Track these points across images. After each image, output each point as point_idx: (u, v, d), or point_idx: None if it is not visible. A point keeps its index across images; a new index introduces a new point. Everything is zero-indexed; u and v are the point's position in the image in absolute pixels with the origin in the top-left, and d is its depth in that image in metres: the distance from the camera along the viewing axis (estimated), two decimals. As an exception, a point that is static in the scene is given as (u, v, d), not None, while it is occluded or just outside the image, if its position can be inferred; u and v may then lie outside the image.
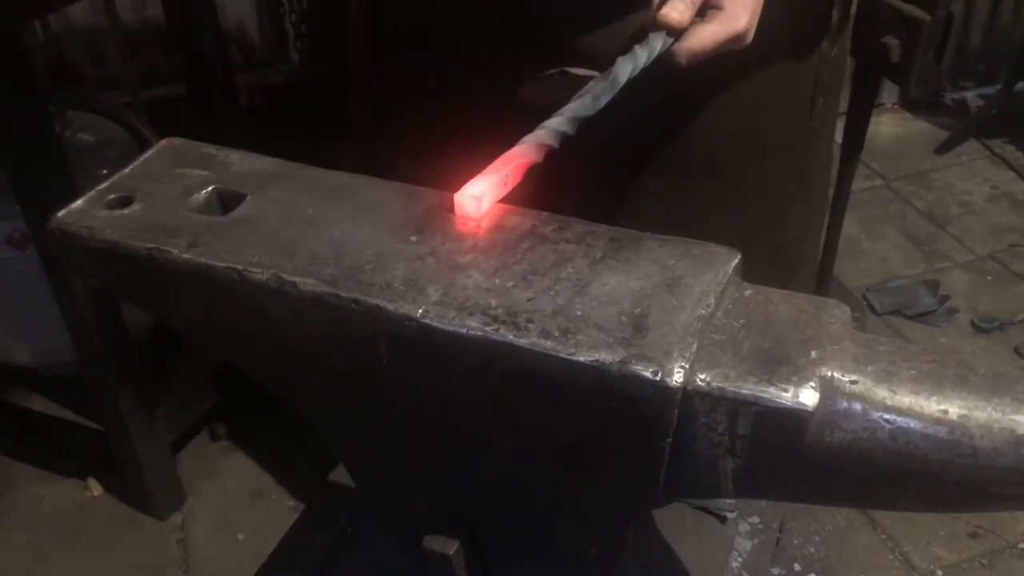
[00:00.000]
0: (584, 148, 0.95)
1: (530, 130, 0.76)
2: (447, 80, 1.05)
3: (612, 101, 0.79)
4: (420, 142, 1.04)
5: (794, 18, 0.99)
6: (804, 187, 1.15)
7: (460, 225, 0.72)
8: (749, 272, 0.70)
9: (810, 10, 1.03)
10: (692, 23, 0.82)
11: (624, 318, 0.63)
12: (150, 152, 0.83)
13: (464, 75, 1.02)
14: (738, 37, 0.83)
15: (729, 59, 0.86)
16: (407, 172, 0.80)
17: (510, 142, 0.75)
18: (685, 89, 0.85)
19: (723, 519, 1.03)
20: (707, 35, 0.82)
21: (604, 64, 0.81)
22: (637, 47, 0.80)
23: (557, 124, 0.76)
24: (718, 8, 0.82)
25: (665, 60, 0.83)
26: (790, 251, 1.19)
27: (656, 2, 0.82)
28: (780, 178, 1.11)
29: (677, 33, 0.81)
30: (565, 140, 0.76)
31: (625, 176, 1.05)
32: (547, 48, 0.97)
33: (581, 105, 0.77)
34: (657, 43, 0.81)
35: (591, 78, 0.81)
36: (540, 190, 0.86)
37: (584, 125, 0.79)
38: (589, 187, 1.05)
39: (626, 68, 0.79)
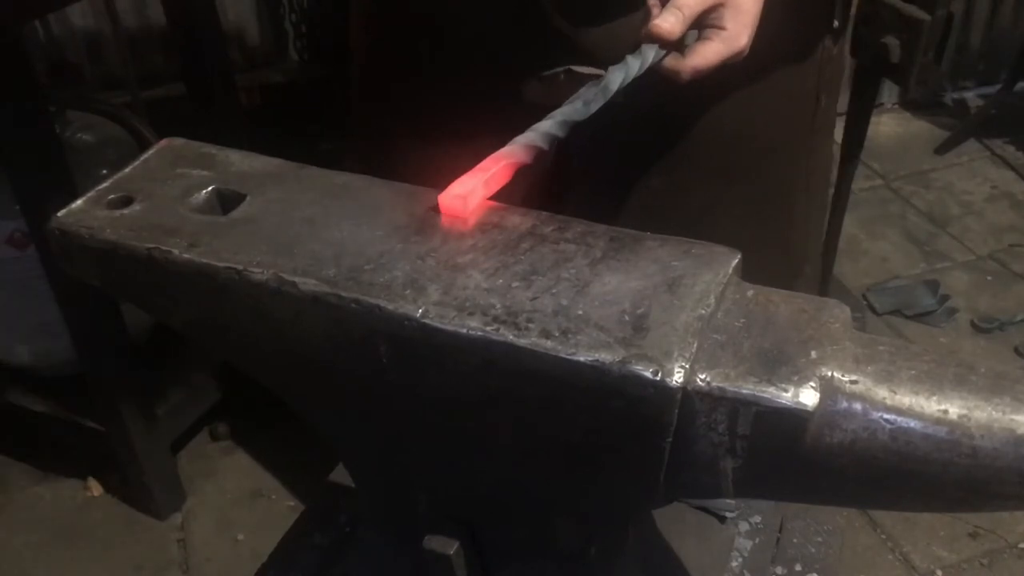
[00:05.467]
0: (589, 146, 0.96)
1: (531, 122, 0.77)
2: (453, 79, 1.05)
3: (618, 100, 0.80)
4: (424, 140, 1.04)
5: (798, 17, 0.99)
6: (807, 186, 1.16)
7: (448, 223, 0.72)
8: (753, 272, 0.70)
9: (813, 9, 1.04)
10: (693, 40, 0.84)
11: (624, 318, 0.63)
12: (150, 152, 0.83)
13: (470, 74, 1.02)
14: (739, 54, 0.85)
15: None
16: (410, 170, 0.80)
17: (513, 135, 0.76)
18: (689, 89, 0.86)
19: (723, 519, 1.03)
20: (710, 53, 0.84)
21: (610, 62, 0.82)
22: (629, 57, 0.82)
23: (547, 127, 0.77)
24: (719, 27, 0.84)
25: (667, 77, 0.85)
26: (794, 250, 1.19)
27: (651, 15, 0.83)
28: (783, 177, 1.11)
29: (668, 45, 0.82)
30: (555, 143, 0.77)
31: (629, 175, 1.06)
32: (554, 46, 0.97)
33: (572, 109, 0.79)
34: (649, 54, 0.82)
35: (596, 77, 0.81)
36: (545, 187, 0.86)
37: (589, 123, 0.79)
38: (594, 185, 1.05)
39: (617, 77, 0.80)
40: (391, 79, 1.15)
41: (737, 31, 0.84)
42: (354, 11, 1.17)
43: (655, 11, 0.83)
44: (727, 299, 0.66)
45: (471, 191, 0.72)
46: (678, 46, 0.84)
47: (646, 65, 0.82)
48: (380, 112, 1.20)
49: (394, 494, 0.82)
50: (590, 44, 0.96)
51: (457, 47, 1.04)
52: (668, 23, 0.81)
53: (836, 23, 1.07)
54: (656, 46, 0.82)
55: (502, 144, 0.75)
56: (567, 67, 0.94)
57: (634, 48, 0.83)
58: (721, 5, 0.83)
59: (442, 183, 0.74)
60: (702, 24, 0.84)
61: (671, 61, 0.84)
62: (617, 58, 0.82)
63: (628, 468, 0.66)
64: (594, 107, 0.79)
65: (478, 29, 1.02)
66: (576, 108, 0.78)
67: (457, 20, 1.04)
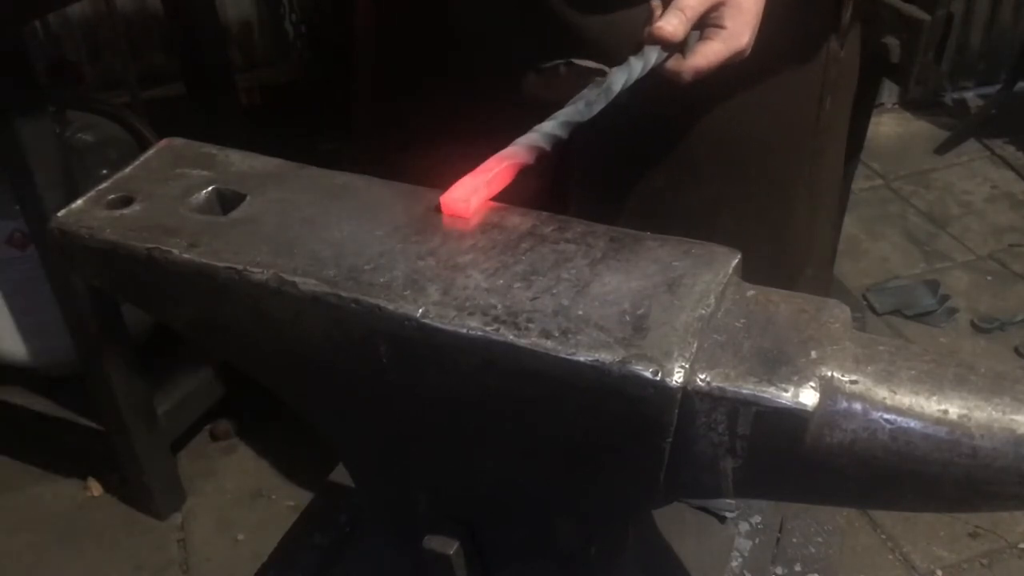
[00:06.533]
0: (592, 146, 0.96)
1: (536, 122, 0.77)
2: (454, 73, 1.05)
3: (621, 100, 0.80)
4: (426, 136, 1.04)
5: (802, 18, 0.99)
6: (811, 188, 1.15)
7: (448, 223, 0.72)
8: (752, 271, 0.70)
9: (818, 10, 1.04)
10: (695, 40, 0.84)
11: (624, 318, 0.63)
12: (150, 152, 0.83)
13: (471, 68, 1.02)
14: (740, 53, 0.85)
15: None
16: (412, 168, 0.80)
17: (513, 132, 0.76)
18: (692, 89, 0.86)
19: (723, 519, 1.03)
20: (711, 53, 0.84)
21: (611, 54, 0.82)
22: (632, 58, 0.82)
23: (550, 128, 0.77)
24: (720, 27, 0.84)
25: (669, 78, 0.85)
26: (795, 252, 1.19)
27: (653, 16, 0.83)
28: (787, 178, 1.11)
29: (671, 47, 0.82)
30: (557, 143, 0.77)
31: (632, 174, 1.06)
32: (555, 41, 0.97)
33: (574, 110, 0.79)
34: (652, 56, 0.83)
35: (597, 70, 0.81)
36: (547, 186, 0.86)
37: (592, 124, 0.79)
38: (596, 185, 1.05)
39: (620, 78, 0.81)
40: (395, 81, 1.15)
41: (738, 30, 0.84)
42: (359, 13, 1.17)
43: (657, 12, 0.83)
44: (727, 299, 0.66)
45: (474, 191, 0.72)
46: (680, 47, 0.84)
47: (649, 66, 0.82)
48: (383, 114, 1.20)
49: (394, 494, 0.82)
50: (591, 35, 0.96)
51: (460, 47, 1.04)
52: (671, 25, 0.81)
53: (843, 24, 1.06)
54: (658, 47, 0.82)
55: (505, 144, 0.75)
56: (567, 60, 0.94)
57: (636, 49, 0.83)
58: (722, 4, 0.83)
59: (445, 183, 0.74)
60: (703, 24, 0.84)
61: (673, 62, 0.84)
62: (618, 49, 0.82)
63: (628, 468, 0.66)
64: (596, 108, 0.79)
65: (480, 28, 1.02)
66: (578, 109, 0.79)
67: (459, 19, 1.04)
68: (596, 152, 1.00)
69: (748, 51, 0.86)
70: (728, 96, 1.00)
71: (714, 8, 0.83)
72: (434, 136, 1.03)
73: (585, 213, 0.74)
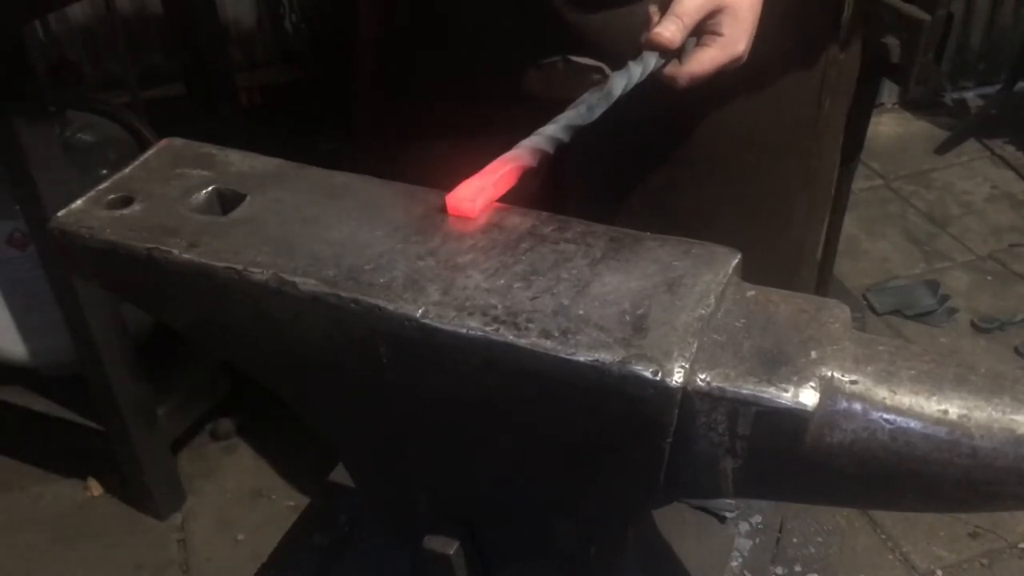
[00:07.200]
0: (590, 147, 0.96)
1: (533, 119, 0.78)
2: (454, 70, 1.05)
3: (620, 101, 0.81)
4: (426, 136, 1.04)
5: (801, 21, 0.99)
6: (808, 188, 1.16)
7: (448, 223, 0.72)
8: (748, 271, 0.70)
9: (818, 13, 1.04)
10: (692, 47, 0.85)
11: (624, 318, 0.63)
12: (150, 152, 0.83)
13: (470, 65, 1.03)
14: (736, 60, 0.86)
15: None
16: (413, 166, 0.80)
17: (513, 132, 0.76)
18: (691, 92, 0.86)
19: (723, 519, 1.03)
20: (707, 59, 0.85)
21: (609, 51, 0.82)
22: (631, 63, 0.83)
23: (552, 131, 0.78)
24: (717, 34, 0.84)
25: (665, 83, 0.86)
26: (791, 252, 1.19)
27: (651, 22, 0.83)
28: (784, 177, 1.11)
29: (668, 53, 0.83)
30: (559, 147, 0.78)
31: (632, 175, 1.06)
32: (553, 37, 0.97)
33: (576, 114, 0.80)
34: (651, 60, 0.84)
35: (594, 67, 0.82)
36: (544, 184, 0.86)
37: (593, 123, 0.80)
38: (596, 185, 1.05)
39: (620, 82, 0.81)
40: (393, 75, 1.15)
41: (735, 37, 0.84)
42: (361, 14, 1.17)
43: (655, 18, 0.83)
44: (727, 299, 0.66)
45: (479, 193, 0.72)
46: (677, 53, 0.84)
47: (648, 71, 0.83)
48: (383, 114, 1.20)
49: (394, 494, 0.82)
50: (589, 33, 0.97)
51: (459, 46, 1.05)
52: (669, 31, 0.82)
53: (843, 25, 1.06)
54: (657, 53, 0.83)
55: (507, 144, 0.76)
56: (565, 56, 0.95)
57: (636, 52, 0.84)
58: (719, 11, 0.83)
59: (445, 183, 0.74)
60: (700, 31, 0.85)
61: (670, 68, 0.85)
62: (616, 47, 0.83)
63: (628, 468, 0.66)
64: (597, 112, 0.80)
65: (479, 27, 1.02)
66: (580, 113, 0.79)
67: (458, 18, 1.04)
68: (595, 152, 1.00)
69: (744, 58, 0.86)
70: (727, 98, 1.01)
71: (711, 15, 0.84)
72: (434, 136, 1.03)
73: (584, 213, 0.74)
